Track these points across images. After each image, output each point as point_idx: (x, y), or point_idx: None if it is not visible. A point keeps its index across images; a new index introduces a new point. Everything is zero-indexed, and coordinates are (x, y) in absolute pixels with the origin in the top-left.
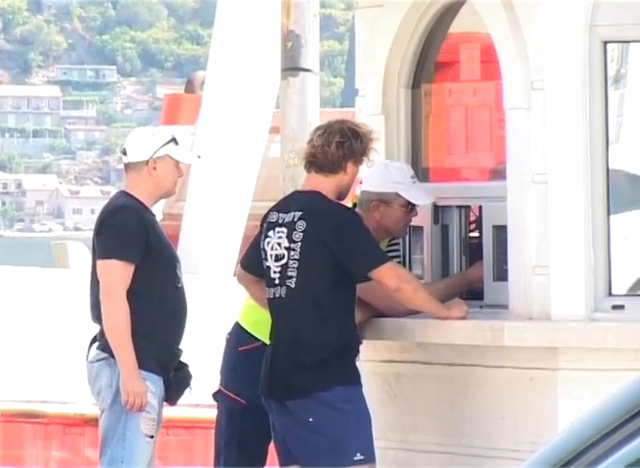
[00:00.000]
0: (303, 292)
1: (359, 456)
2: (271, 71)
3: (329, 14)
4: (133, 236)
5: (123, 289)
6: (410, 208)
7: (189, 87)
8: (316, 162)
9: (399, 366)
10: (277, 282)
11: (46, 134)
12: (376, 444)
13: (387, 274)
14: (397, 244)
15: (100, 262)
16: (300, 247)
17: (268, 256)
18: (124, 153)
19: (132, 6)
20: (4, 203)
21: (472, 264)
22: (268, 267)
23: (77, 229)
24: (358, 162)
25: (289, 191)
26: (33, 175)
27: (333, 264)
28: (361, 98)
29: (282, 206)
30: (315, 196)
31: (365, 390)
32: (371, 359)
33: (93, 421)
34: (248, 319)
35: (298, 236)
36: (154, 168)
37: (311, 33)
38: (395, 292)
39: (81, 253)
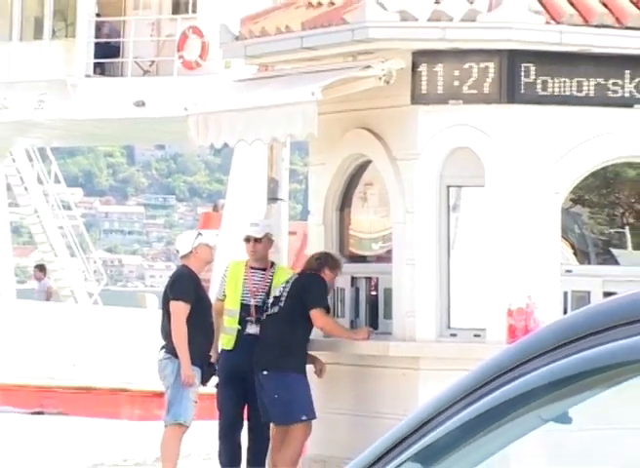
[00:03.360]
0: (287, 312)
1: (304, 417)
2: (261, 200)
3: (294, 168)
4: (190, 289)
5: (184, 318)
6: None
7: (215, 208)
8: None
9: (329, 366)
10: (273, 304)
11: (135, 233)
12: None
13: (315, 316)
14: None
15: (171, 302)
16: (288, 291)
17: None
18: (177, 251)
19: (184, 162)
20: (111, 271)
21: (370, 312)
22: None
23: (152, 287)
24: (333, 271)
25: None
26: (128, 255)
27: (301, 299)
28: (311, 216)
29: None
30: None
31: (309, 378)
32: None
33: (160, 394)
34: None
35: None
36: (197, 252)
37: (284, 179)
38: (319, 329)
39: (153, 300)
